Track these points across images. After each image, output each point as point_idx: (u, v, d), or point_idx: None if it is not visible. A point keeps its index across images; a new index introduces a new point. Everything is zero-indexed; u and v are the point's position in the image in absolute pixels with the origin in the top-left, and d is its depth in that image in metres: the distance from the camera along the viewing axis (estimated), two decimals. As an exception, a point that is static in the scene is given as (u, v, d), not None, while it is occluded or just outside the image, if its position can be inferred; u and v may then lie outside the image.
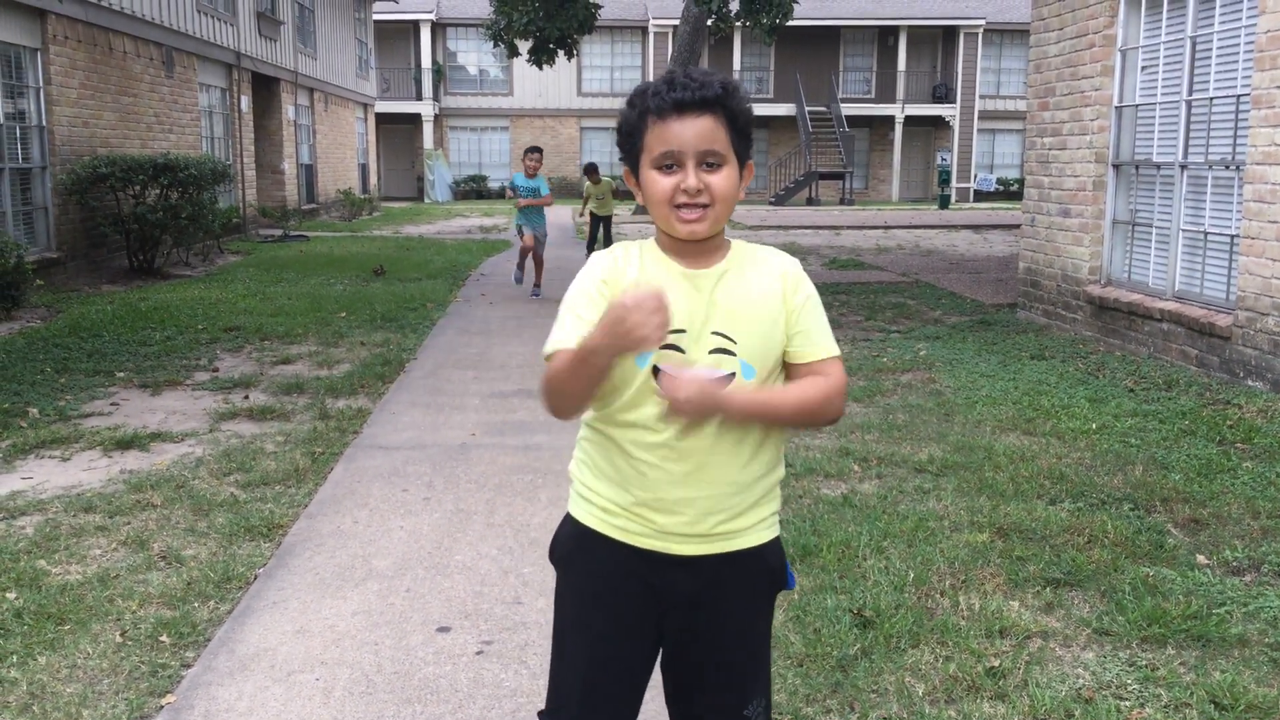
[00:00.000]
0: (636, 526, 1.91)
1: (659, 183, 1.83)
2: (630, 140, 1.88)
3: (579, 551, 1.99)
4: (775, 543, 2.00)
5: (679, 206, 1.82)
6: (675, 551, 1.91)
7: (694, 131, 1.80)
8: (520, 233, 12.15)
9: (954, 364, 7.96)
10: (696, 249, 1.88)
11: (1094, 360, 8.24)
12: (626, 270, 1.89)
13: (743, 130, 1.86)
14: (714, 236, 1.88)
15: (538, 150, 11.86)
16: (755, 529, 1.95)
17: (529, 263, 12.38)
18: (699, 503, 1.88)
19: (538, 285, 12.17)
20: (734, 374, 1.85)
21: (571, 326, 1.83)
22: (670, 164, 1.82)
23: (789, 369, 1.92)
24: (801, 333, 1.90)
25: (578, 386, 1.77)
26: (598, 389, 1.78)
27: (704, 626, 1.96)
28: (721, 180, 1.83)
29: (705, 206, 1.82)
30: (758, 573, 1.98)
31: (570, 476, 2.04)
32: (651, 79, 1.94)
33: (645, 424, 1.86)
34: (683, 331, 1.84)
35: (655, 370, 1.83)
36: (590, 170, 15.32)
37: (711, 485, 1.88)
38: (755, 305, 1.88)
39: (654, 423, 1.84)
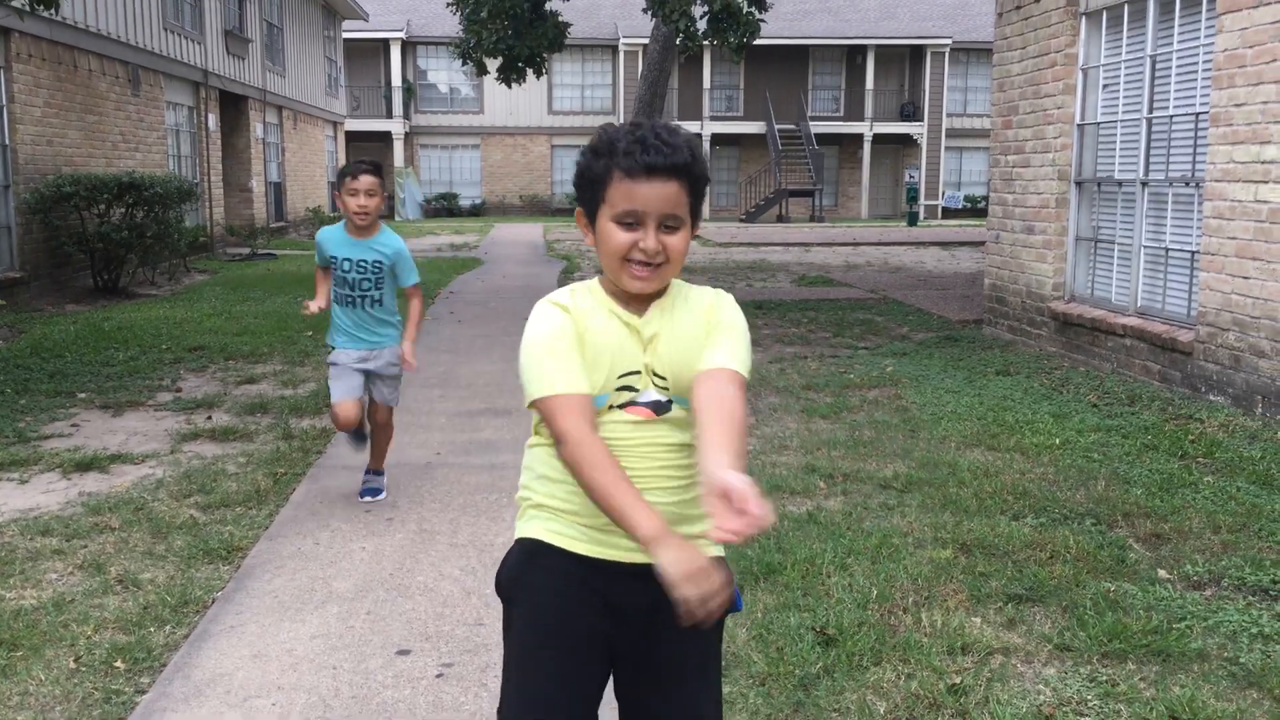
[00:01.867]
0: (585, 534, 1.95)
1: (617, 236, 1.89)
2: (592, 189, 1.92)
3: (530, 570, 1.99)
4: (722, 561, 1.99)
5: (632, 262, 1.89)
6: (626, 558, 1.93)
7: (659, 195, 1.86)
8: (331, 375, 5.22)
9: (920, 380, 7.99)
10: (640, 296, 1.95)
11: (1058, 376, 8.29)
12: (580, 314, 1.94)
13: (701, 193, 1.93)
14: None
15: (369, 168, 4.95)
16: (704, 541, 1.94)
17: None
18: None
19: (374, 473, 5.38)
20: (671, 401, 1.94)
21: (554, 365, 1.88)
22: (631, 221, 1.88)
23: (694, 380, 1.94)
24: (709, 350, 1.93)
25: (590, 495, 1.85)
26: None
27: (657, 644, 1.97)
28: (678, 241, 1.90)
29: (658, 266, 1.89)
30: None
31: (518, 502, 2.06)
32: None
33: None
34: (637, 373, 1.92)
35: (610, 410, 1.93)
36: None
37: (659, 492, 1.92)
38: (684, 344, 1.94)
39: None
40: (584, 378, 1.89)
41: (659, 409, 1.94)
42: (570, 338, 1.91)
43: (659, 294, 1.97)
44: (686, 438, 1.95)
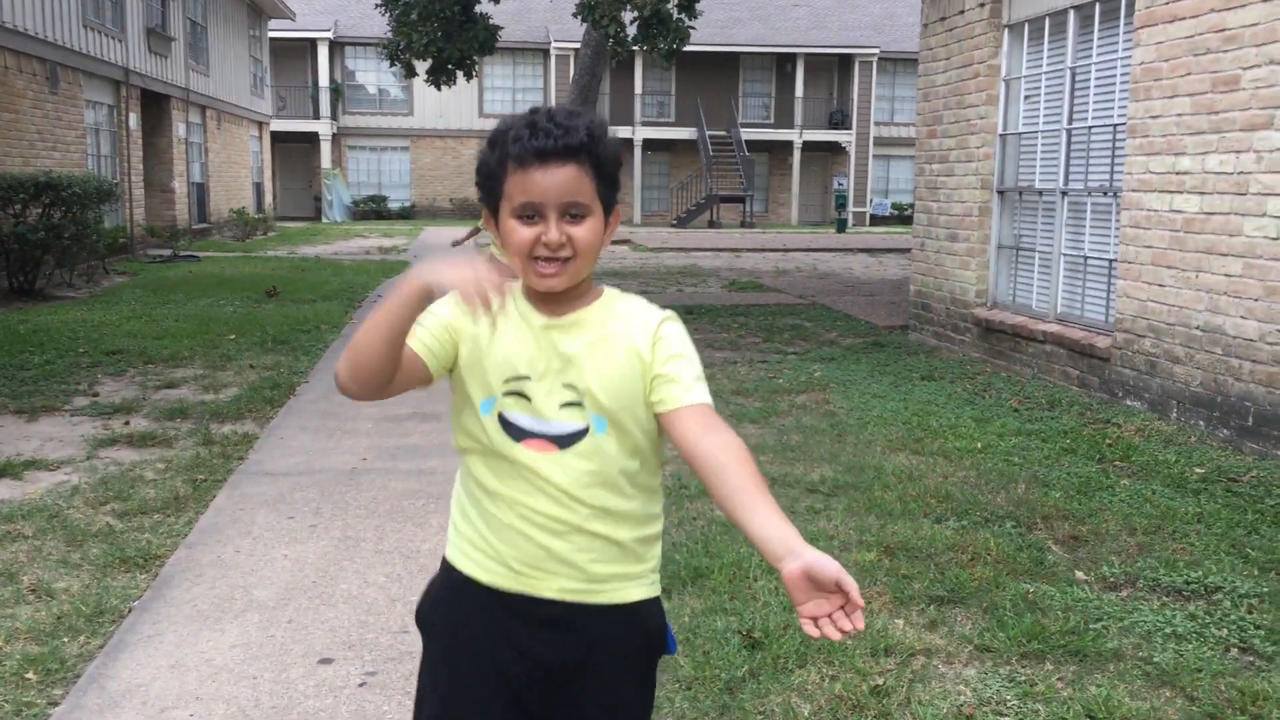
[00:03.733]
0: (499, 567, 1.81)
1: (519, 233, 1.73)
2: (490, 184, 1.77)
3: (446, 608, 1.88)
4: (656, 602, 1.90)
5: (537, 259, 1.73)
6: (540, 593, 1.80)
7: (556, 182, 1.70)
8: None
9: (847, 385, 8.08)
10: (557, 298, 1.79)
11: (981, 381, 8.44)
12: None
13: (609, 178, 1.77)
14: (576, 286, 1.79)
15: None
16: (632, 581, 1.85)
17: None
18: (563, 548, 1.79)
19: None
20: (587, 429, 1.77)
21: (414, 330, 1.75)
22: (531, 214, 1.72)
23: (662, 420, 1.78)
24: (669, 384, 1.76)
25: (374, 348, 1.67)
26: (393, 347, 1.67)
27: (578, 698, 1.84)
28: (585, 232, 1.74)
29: (566, 260, 1.74)
30: (633, 636, 1.86)
31: (451, 523, 1.94)
32: (542, 105, 1.87)
33: (485, 476, 1.81)
34: (527, 379, 1.77)
35: (500, 417, 1.78)
36: None
37: (564, 535, 1.79)
38: (609, 357, 1.77)
39: (498, 475, 1.80)
40: (423, 346, 1.75)
41: (562, 442, 1.76)
42: (444, 321, 1.77)
43: (581, 299, 1.82)
44: (602, 470, 1.78)
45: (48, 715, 3.18)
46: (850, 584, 1.51)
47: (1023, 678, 3.43)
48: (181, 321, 11.06)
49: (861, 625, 1.53)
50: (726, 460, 1.69)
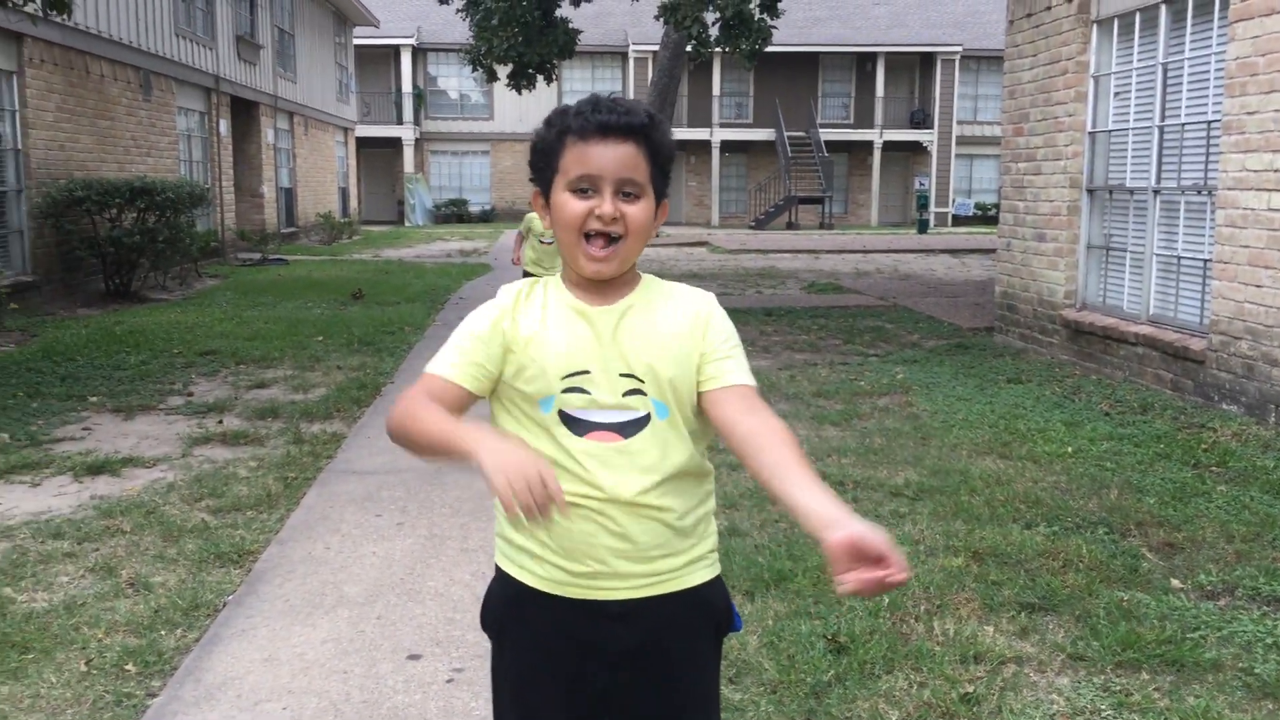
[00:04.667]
0: (560, 574, 1.80)
1: (571, 206, 1.75)
2: (545, 160, 1.79)
3: (511, 619, 1.88)
4: (720, 581, 1.91)
5: (589, 236, 1.74)
6: (607, 596, 1.79)
7: (615, 157, 1.73)
8: None
9: (931, 388, 7.97)
10: (603, 285, 1.80)
11: (1070, 384, 8.27)
12: (529, 310, 1.81)
13: (663, 166, 1.79)
14: (622, 275, 1.80)
15: None
16: (692, 567, 1.85)
17: None
18: (627, 542, 1.78)
19: None
20: (648, 415, 1.77)
21: (452, 358, 1.80)
22: (586, 188, 1.74)
23: (705, 398, 1.79)
24: (716, 362, 1.79)
25: (421, 447, 1.73)
26: (432, 455, 1.72)
27: (654, 683, 1.84)
28: (638, 211, 1.75)
29: (617, 240, 1.74)
30: (702, 616, 1.87)
31: (496, 536, 1.94)
32: (558, 106, 1.89)
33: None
34: (587, 373, 1.76)
35: (561, 414, 1.77)
36: None
37: (639, 523, 1.78)
38: (664, 342, 1.78)
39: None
40: (469, 376, 1.77)
41: (625, 430, 1.76)
42: (486, 338, 1.79)
43: (627, 285, 1.82)
44: (664, 455, 1.78)
45: (146, 706, 3.27)
46: (898, 558, 1.48)
47: (1118, 687, 3.36)
48: (271, 323, 11.30)
49: (886, 576, 1.47)
50: (768, 437, 1.69)
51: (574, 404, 1.76)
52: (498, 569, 1.92)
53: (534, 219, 7.63)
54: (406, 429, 1.74)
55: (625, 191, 1.75)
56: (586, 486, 1.76)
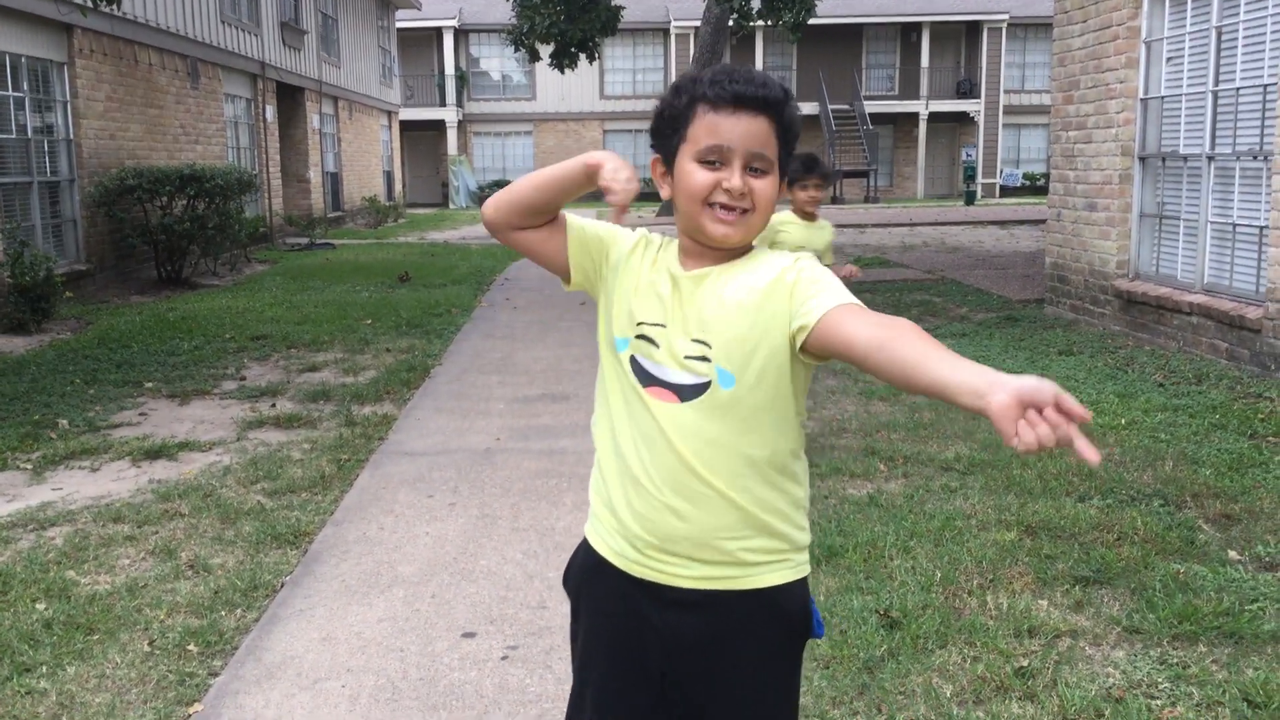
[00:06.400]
0: (636, 555, 1.78)
1: (696, 176, 1.70)
2: (671, 126, 1.75)
3: (586, 585, 1.89)
4: (800, 584, 1.81)
5: (714, 205, 1.70)
6: (672, 582, 1.76)
7: (748, 129, 1.68)
8: None
9: (981, 360, 7.79)
10: (715, 254, 1.75)
11: (1122, 355, 8.16)
12: (643, 255, 1.83)
13: (790, 143, 1.75)
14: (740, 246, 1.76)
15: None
16: (770, 565, 1.77)
17: None
18: (692, 518, 1.74)
19: None
20: (709, 383, 1.71)
21: (581, 219, 1.88)
22: (714, 160, 1.69)
23: (816, 335, 1.63)
24: (805, 301, 1.66)
25: (531, 179, 1.83)
26: (540, 192, 1.82)
27: (714, 682, 1.78)
28: (766, 187, 1.71)
29: (745, 212, 1.71)
30: (773, 620, 1.79)
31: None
32: (675, 78, 1.89)
33: (621, 422, 1.80)
34: (663, 326, 1.74)
35: (632, 360, 1.77)
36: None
37: (681, 500, 1.74)
38: (733, 309, 1.71)
39: (633, 418, 1.78)
40: (577, 226, 1.86)
41: (683, 393, 1.71)
42: (605, 241, 1.86)
43: (735, 256, 1.77)
44: (728, 432, 1.71)
45: (209, 685, 3.33)
46: (1072, 401, 1.31)
47: (1174, 660, 3.32)
48: (320, 307, 11.42)
49: (1088, 415, 1.32)
50: (894, 338, 1.52)
51: (642, 352, 1.76)
52: (584, 537, 1.92)
53: (780, 224, 5.38)
54: (512, 189, 1.85)
55: (754, 166, 1.71)
56: (649, 446, 1.74)
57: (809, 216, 5.38)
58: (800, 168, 5.25)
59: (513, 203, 1.84)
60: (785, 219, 5.34)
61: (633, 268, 1.82)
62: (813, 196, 5.32)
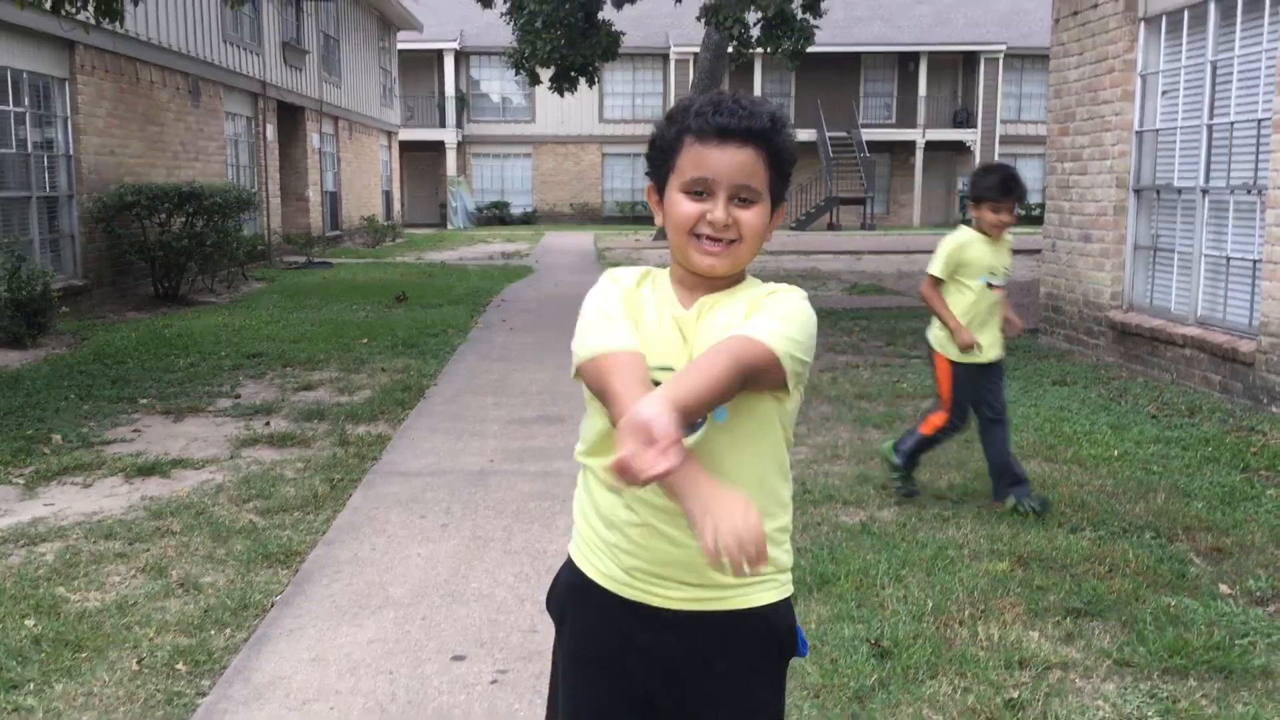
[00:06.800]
0: (620, 572, 1.78)
1: (683, 207, 1.72)
2: (662, 157, 1.77)
3: (571, 605, 1.87)
4: (786, 604, 1.83)
5: (699, 236, 1.71)
6: (660, 603, 1.76)
7: (732, 162, 1.69)
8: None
9: (975, 390, 7.90)
10: (707, 284, 1.76)
11: (1116, 386, 8.18)
12: (642, 297, 1.79)
13: (783, 170, 1.75)
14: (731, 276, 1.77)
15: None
16: (759, 585, 1.78)
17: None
18: (685, 544, 1.72)
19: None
20: (706, 415, 1.69)
21: (607, 326, 1.71)
22: (700, 190, 1.71)
23: None
24: (749, 319, 1.69)
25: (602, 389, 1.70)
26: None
27: (701, 703, 1.79)
28: (752, 216, 1.72)
29: (731, 243, 1.72)
30: (761, 639, 1.80)
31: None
32: (680, 100, 1.82)
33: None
34: (671, 370, 1.71)
35: None
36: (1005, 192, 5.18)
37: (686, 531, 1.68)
38: (720, 333, 1.70)
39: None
40: (637, 339, 1.70)
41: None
42: (622, 307, 1.75)
43: (726, 286, 1.77)
44: (722, 461, 1.70)
45: (196, 705, 3.32)
46: (656, 453, 1.41)
47: (1165, 694, 3.32)
48: (317, 326, 11.42)
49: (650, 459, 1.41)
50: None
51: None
52: (569, 556, 1.91)
53: (965, 243, 5.18)
54: (592, 379, 1.71)
55: (740, 197, 1.71)
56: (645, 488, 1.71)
57: (994, 234, 5.04)
58: (999, 190, 4.86)
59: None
60: (969, 238, 5.01)
61: (641, 301, 1.79)
62: (1004, 220, 4.96)
